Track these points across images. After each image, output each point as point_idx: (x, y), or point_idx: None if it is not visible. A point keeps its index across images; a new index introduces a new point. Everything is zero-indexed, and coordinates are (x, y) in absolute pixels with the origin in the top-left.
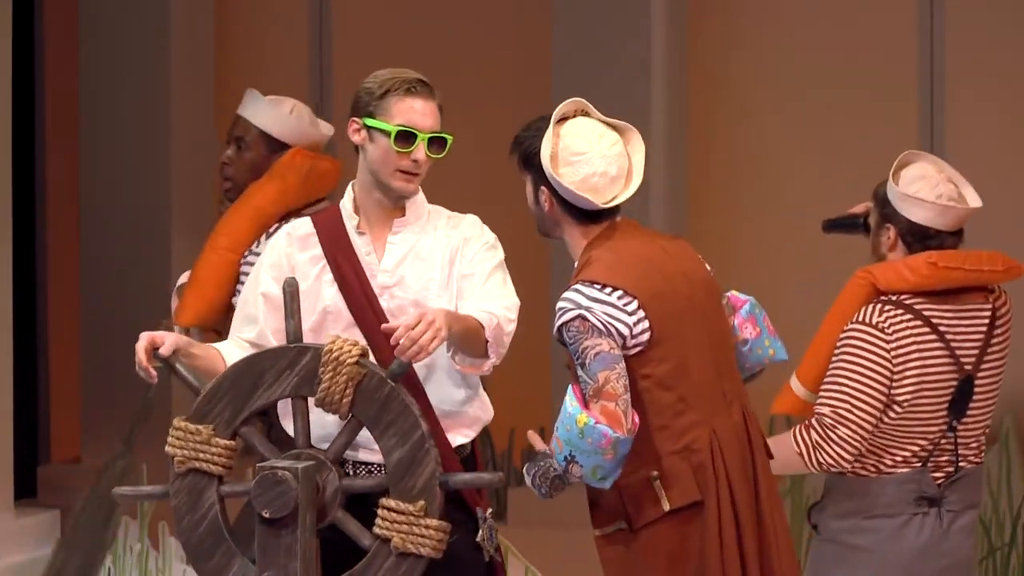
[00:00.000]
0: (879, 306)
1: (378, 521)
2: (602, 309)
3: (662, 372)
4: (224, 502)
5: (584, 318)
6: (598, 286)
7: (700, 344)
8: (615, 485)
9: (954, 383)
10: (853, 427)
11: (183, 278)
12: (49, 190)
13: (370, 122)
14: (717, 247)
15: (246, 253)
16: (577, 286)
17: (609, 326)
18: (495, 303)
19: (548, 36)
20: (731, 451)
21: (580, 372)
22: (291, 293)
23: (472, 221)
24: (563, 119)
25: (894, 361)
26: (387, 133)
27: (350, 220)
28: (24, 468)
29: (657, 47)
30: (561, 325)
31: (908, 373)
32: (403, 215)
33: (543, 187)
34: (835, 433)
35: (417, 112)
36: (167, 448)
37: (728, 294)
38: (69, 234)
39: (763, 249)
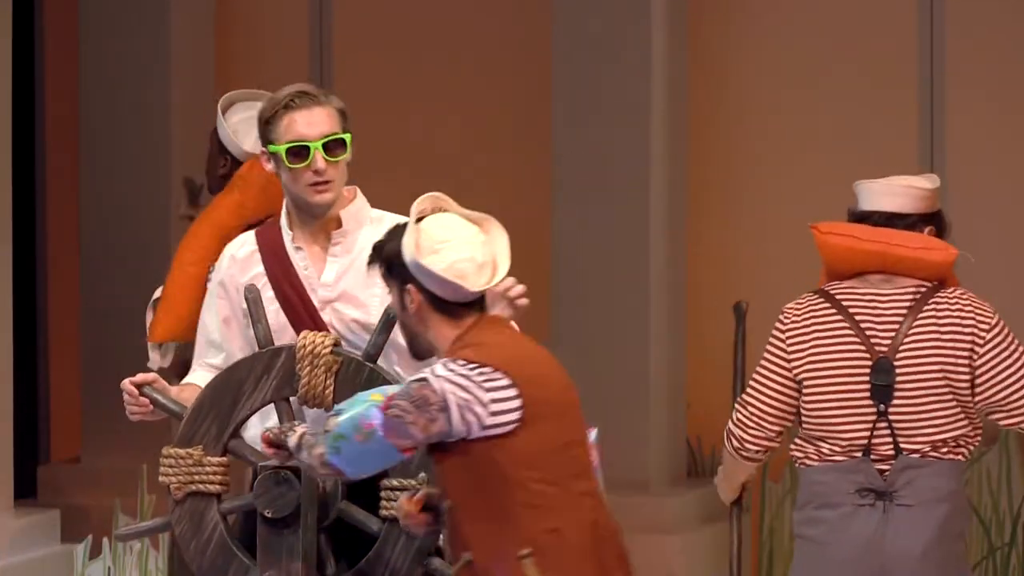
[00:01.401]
0: (802, 296)
1: (383, 503)
2: (459, 384)
3: (533, 453)
4: (227, 519)
5: (428, 384)
6: (462, 362)
7: (573, 437)
8: (483, 571)
9: (868, 366)
10: (750, 409)
11: (157, 293)
12: (49, 190)
13: (270, 148)
14: (717, 247)
15: (212, 267)
16: (443, 360)
17: (457, 405)
18: None
19: (548, 35)
20: (595, 548)
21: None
22: (253, 300)
23: None
24: (421, 217)
25: (788, 342)
26: (280, 155)
27: (287, 235)
28: (24, 468)
29: (657, 47)
30: (410, 381)
31: (804, 351)
32: (339, 226)
33: (409, 285)
34: (735, 415)
35: (302, 123)
36: (161, 478)
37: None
38: (69, 234)
39: (763, 249)
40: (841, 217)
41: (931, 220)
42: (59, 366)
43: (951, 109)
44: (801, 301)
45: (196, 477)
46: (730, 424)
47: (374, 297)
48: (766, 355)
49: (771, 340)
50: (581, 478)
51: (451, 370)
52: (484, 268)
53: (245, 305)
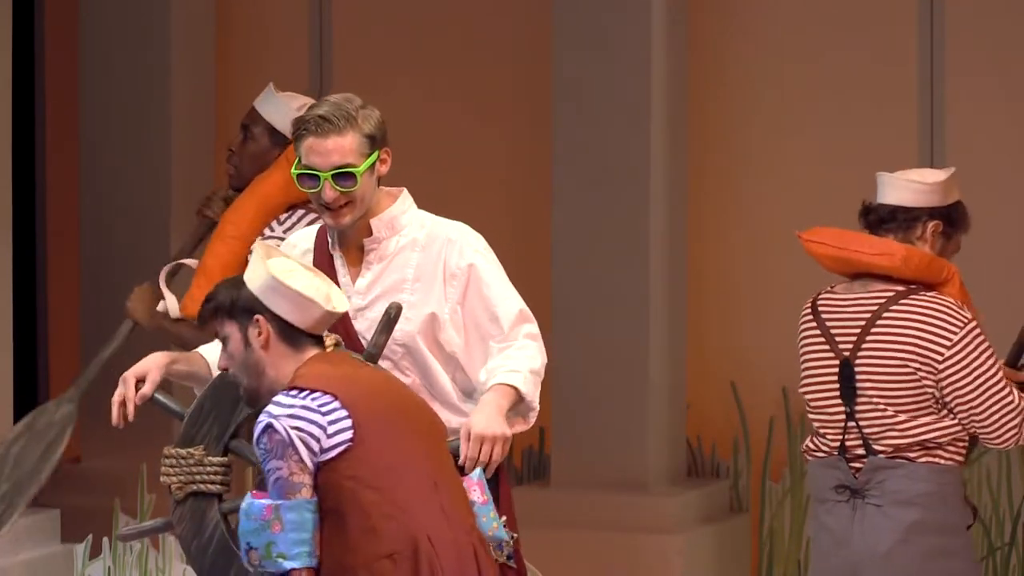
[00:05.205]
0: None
1: None
2: (292, 414)
3: (368, 472)
4: (227, 519)
5: (273, 429)
6: (294, 392)
7: (414, 453)
8: None
9: (836, 368)
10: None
11: (168, 268)
12: (49, 190)
13: (293, 167)
14: (717, 245)
15: (258, 240)
16: (276, 397)
17: (297, 436)
18: (518, 352)
19: (549, 35)
20: (451, 564)
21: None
22: None
23: (458, 233)
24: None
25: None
26: (294, 177)
27: (332, 238)
28: None
29: (657, 46)
30: (256, 438)
31: (801, 355)
32: (369, 234)
33: (257, 316)
34: None
35: (316, 152)
36: (162, 478)
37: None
38: (69, 234)
39: (764, 246)
40: (841, 210)
41: (939, 215)
42: (59, 365)
43: (951, 109)
44: (805, 306)
45: (197, 477)
46: None
47: (404, 304)
48: None
49: None
50: (445, 495)
51: (282, 405)
52: (328, 300)
53: None
